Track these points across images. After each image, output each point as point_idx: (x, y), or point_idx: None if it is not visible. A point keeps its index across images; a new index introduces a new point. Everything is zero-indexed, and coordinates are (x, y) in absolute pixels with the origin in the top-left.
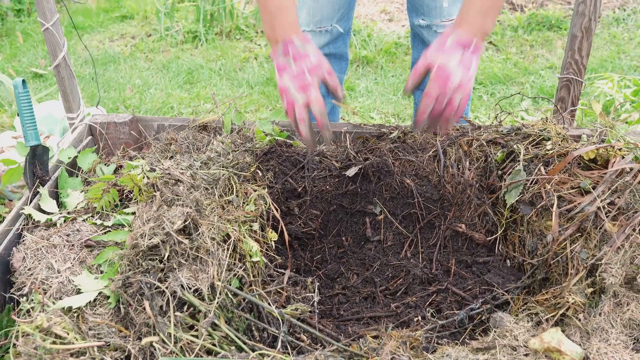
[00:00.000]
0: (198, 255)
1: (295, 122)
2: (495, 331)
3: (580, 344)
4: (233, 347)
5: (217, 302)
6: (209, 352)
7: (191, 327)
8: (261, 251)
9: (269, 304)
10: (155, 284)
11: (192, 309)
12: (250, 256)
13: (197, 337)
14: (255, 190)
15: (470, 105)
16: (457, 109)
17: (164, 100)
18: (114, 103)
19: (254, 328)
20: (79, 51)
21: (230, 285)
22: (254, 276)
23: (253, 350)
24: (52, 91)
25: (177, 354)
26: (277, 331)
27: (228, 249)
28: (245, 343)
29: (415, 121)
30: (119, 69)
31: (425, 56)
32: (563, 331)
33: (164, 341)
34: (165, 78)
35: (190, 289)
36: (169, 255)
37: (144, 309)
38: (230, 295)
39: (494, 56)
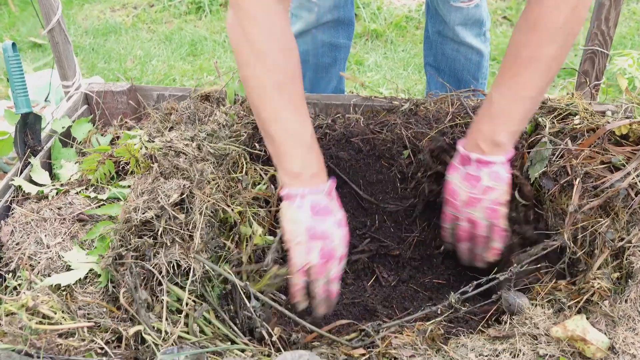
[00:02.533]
0: (191, 234)
1: (319, 285)
2: (513, 318)
3: (605, 333)
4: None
5: (198, 290)
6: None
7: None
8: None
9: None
10: (142, 264)
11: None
12: (251, 238)
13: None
14: (266, 173)
15: (487, 80)
16: (488, 228)
17: (166, 72)
18: (114, 74)
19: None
20: (79, 21)
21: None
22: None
23: (233, 343)
24: (49, 60)
25: (163, 341)
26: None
27: (225, 228)
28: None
29: (442, 236)
30: (120, 40)
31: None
32: (587, 319)
33: (153, 327)
34: (168, 49)
35: (179, 267)
36: (162, 231)
37: (135, 288)
38: (217, 283)
39: (508, 31)
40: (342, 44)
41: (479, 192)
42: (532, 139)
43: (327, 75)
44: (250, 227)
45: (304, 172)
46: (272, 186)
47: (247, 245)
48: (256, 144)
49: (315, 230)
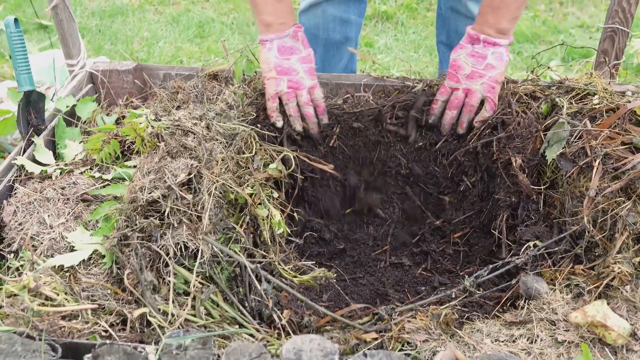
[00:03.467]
0: (199, 215)
1: (292, 106)
2: (530, 303)
3: (627, 319)
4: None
5: (206, 272)
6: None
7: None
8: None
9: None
10: (148, 245)
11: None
12: (270, 224)
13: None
14: (279, 152)
15: None
16: (483, 100)
17: (173, 54)
18: (121, 56)
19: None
20: (86, 2)
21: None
22: (271, 242)
23: (241, 327)
24: (55, 41)
25: (169, 324)
26: (266, 306)
27: (234, 210)
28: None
29: (431, 109)
30: (126, 22)
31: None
32: (607, 304)
33: (159, 310)
34: (175, 31)
35: (187, 249)
36: (169, 212)
37: (141, 270)
38: (226, 265)
39: (524, 15)
40: (352, 20)
41: (482, 68)
42: (548, 121)
43: (337, 53)
44: (267, 209)
45: (274, 21)
46: (284, 167)
47: (262, 227)
48: (258, 125)
49: (282, 66)
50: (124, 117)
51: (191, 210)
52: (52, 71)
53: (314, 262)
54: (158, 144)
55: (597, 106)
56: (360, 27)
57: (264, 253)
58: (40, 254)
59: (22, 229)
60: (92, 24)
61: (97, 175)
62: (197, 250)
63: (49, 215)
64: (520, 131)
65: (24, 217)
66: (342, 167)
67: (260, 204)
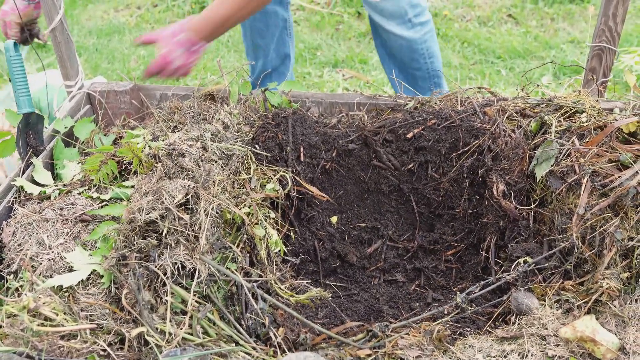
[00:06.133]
0: (196, 235)
1: None
2: (521, 319)
3: (615, 333)
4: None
5: (203, 291)
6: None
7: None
8: (279, 233)
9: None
10: (146, 265)
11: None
12: (266, 244)
13: (190, 326)
14: (275, 173)
15: (443, 80)
16: None
17: None
18: (118, 75)
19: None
20: (83, 21)
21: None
22: (267, 261)
23: (237, 345)
24: (52, 61)
25: (166, 343)
26: (263, 324)
27: (230, 229)
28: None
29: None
30: (123, 40)
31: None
32: (596, 319)
33: (156, 329)
34: None
35: (184, 268)
36: (166, 232)
37: (139, 289)
38: (222, 284)
39: (513, 29)
40: (269, 10)
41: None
42: (537, 139)
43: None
44: (264, 229)
45: None
46: (281, 188)
47: (259, 247)
48: (256, 145)
49: None
50: (121, 137)
51: (188, 231)
52: (48, 91)
53: (310, 280)
54: (155, 164)
55: (585, 124)
56: (281, 17)
57: (260, 272)
58: (40, 275)
59: (21, 250)
60: (89, 42)
61: (95, 195)
62: (194, 270)
63: (47, 236)
64: (507, 152)
65: (23, 237)
66: (336, 186)
67: (257, 223)
